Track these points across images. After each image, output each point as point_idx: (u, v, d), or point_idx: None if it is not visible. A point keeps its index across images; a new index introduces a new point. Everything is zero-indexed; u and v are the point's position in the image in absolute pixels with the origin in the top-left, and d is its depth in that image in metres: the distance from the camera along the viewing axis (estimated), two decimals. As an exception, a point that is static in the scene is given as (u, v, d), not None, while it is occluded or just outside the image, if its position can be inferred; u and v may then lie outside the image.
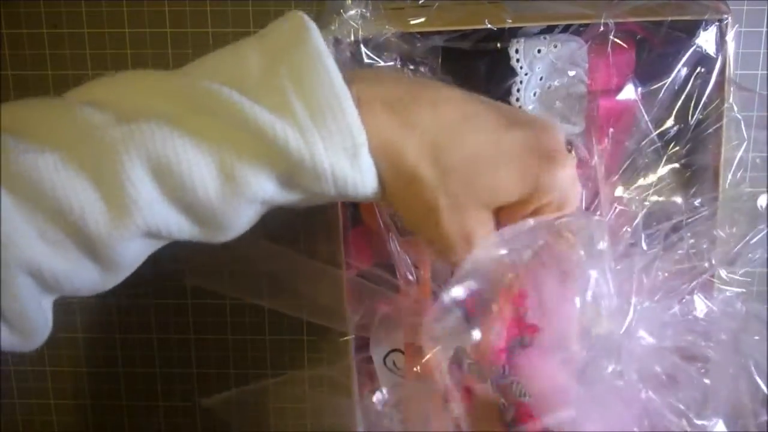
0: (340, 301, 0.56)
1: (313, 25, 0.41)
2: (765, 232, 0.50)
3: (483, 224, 0.43)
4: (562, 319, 0.44)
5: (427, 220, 0.42)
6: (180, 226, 0.41)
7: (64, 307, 0.70)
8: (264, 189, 0.41)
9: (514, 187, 0.42)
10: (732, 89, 0.52)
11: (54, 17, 0.64)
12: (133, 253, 0.41)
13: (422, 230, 0.44)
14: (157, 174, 0.39)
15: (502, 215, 0.43)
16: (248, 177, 0.40)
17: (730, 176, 0.54)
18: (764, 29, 0.63)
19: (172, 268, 0.65)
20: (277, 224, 0.64)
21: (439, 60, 0.52)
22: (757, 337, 0.47)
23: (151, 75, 0.42)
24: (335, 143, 0.39)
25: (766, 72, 0.64)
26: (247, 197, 0.41)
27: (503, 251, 0.43)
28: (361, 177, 0.41)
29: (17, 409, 0.72)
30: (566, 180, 0.42)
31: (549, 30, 0.54)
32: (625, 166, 0.54)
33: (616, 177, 0.54)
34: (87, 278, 0.41)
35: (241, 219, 0.42)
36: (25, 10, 0.63)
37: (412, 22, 0.51)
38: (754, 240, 0.50)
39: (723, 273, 0.49)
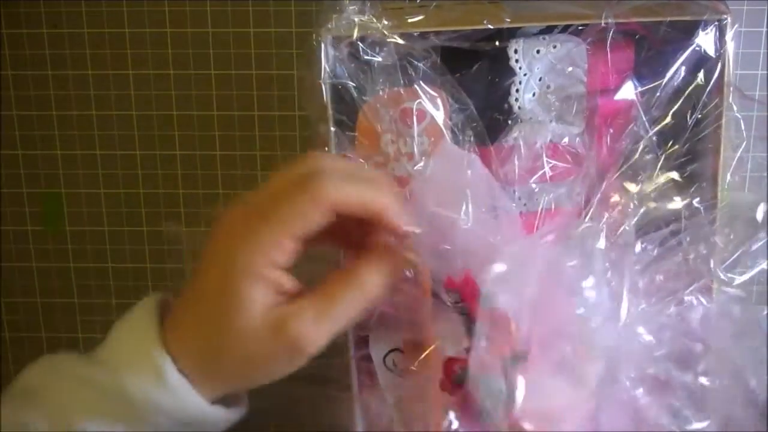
0: None
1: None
2: (765, 241, 0.49)
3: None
4: (555, 324, 0.44)
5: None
6: None
7: (65, 307, 0.70)
8: None
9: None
10: (732, 90, 0.52)
11: (54, 17, 0.64)
12: None
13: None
14: None
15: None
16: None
17: (729, 176, 0.54)
18: (764, 29, 0.63)
19: (173, 268, 0.65)
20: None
21: (438, 61, 0.52)
22: (754, 343, 0.47)
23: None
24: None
25: (766, 72, 0.64)
26: None
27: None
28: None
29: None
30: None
31: (548, 30, 0.54)
32: (623, 166, 0.53)
33: (614, 177, 0.54)
34: None
35: None
36: (25, 10, 0.64)
37: (409, 21, 0.51)
38: (754, 248, 0.49)
39: (721, 274, 0.49)
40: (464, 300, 0.47)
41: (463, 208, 0.47)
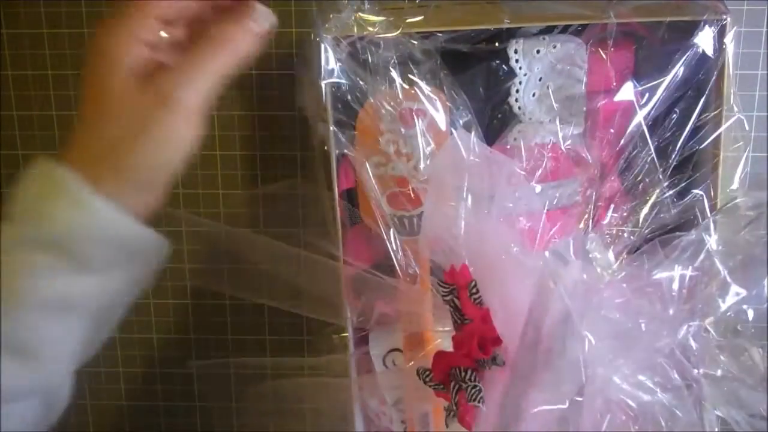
0: (339, 294, 0.56)
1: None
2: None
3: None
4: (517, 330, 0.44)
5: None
6: None
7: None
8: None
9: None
10: (732, 90, 0.52)
11: (54, 17, 0.64)
12: None
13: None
14: None
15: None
16: None
17: (737, 176, 0.53)
18: (764, 29, 0.63)
19: (173, 268, 0.65)
20: (276, 227, 0.65)
21: (438, 61, 0.52)
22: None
23: None
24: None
25: (766, 72, 0.64)
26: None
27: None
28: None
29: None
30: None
31: (548, 30, 0.54)
32: (622, 166, 0.54)
33: (614, 177, 0.54)
34: None
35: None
36: (25, 10, 0.63)
37: (409, 21, 0.51)
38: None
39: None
40: (458, 290, 0.48)
41: (465, 203, 0.47)
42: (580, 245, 0.47)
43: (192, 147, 0.46)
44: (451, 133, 0.51)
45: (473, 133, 0.52)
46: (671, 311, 0.45)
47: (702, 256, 0.46)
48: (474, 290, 0.47)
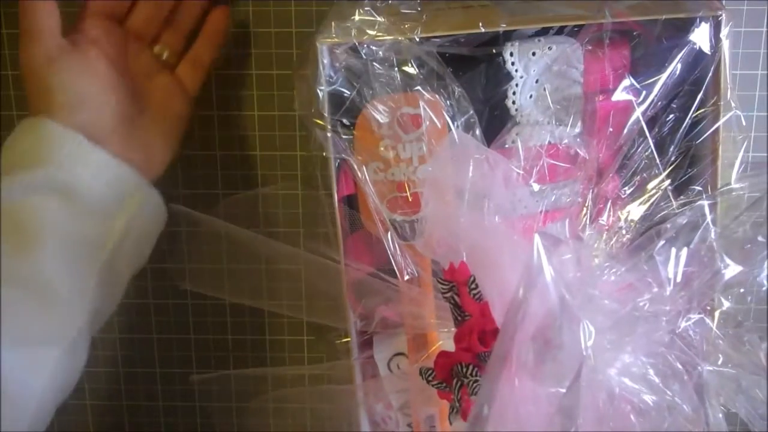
0: (342, 297, 0.56)
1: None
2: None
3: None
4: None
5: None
6: None
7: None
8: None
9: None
10: (729, 85, 0.52)
11: (54, 17, 0.64)
12: None
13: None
14: None
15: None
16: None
17: (735, 172, 0.53)
18: (764, 29, 0.63)
19: (172, 268, 0.65)
20: (277, 230, 0.65)
21: (436, 66, 0.52)
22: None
23: None
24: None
25: (766, 72, 0.64)
26: None
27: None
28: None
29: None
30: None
31: (543, 32, 0.54)
32: (621, 166, 0.53)
33: (612, 176, 0.54)
34: None
35: None
36: (26, 10, 0.63)
37: (406, 26, 0.51)
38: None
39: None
40: (457, 287, 0.48)
41: (463, 201, 0.47)
42: (574, 228, 0.47)
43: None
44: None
45: (471, 132, 0.52)
46: (668, 297, 0.45)
47: (697, 239, 0.46)
48: (473, 285, 0.47)
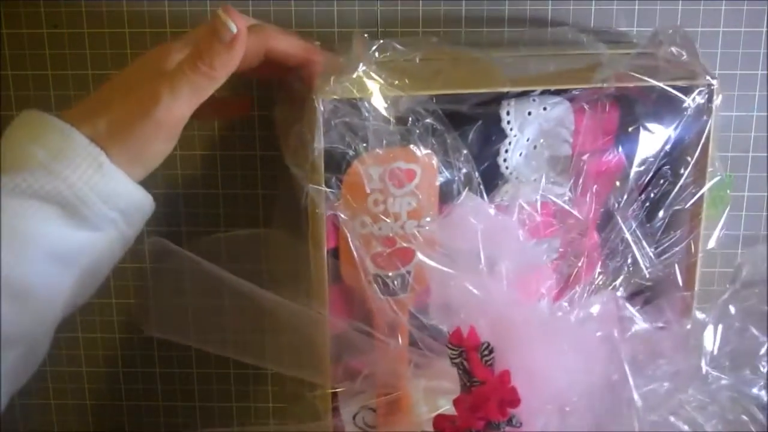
0: (323, 350, 0.55)
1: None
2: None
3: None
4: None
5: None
6: None
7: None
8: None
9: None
10: (714, 153, 0.54)
11: (54, 17, 0.64)
12: None
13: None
14: None
15: None
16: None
17: (715, 236, 0.55)
18: (764, 29, 0.63)
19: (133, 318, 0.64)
20: (258, 279, 0.62)
21: (433, 122, 0.52)
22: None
23: None
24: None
25: (766, 72, 0.64)
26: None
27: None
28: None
29: (17, 410, 0.72)
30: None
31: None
32: (604, 223, 0.55)
33: (594, 234, 0.55)
34: None
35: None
36: (25, 10, 0.64)
37: (407, 82, 0.51)
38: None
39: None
40: (467, 352, 0.47)
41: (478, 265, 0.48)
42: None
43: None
44: (455, 193, 0.52)
45: (470, 187, 0.53)
46: None
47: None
48: (486, 352, 0.46)
